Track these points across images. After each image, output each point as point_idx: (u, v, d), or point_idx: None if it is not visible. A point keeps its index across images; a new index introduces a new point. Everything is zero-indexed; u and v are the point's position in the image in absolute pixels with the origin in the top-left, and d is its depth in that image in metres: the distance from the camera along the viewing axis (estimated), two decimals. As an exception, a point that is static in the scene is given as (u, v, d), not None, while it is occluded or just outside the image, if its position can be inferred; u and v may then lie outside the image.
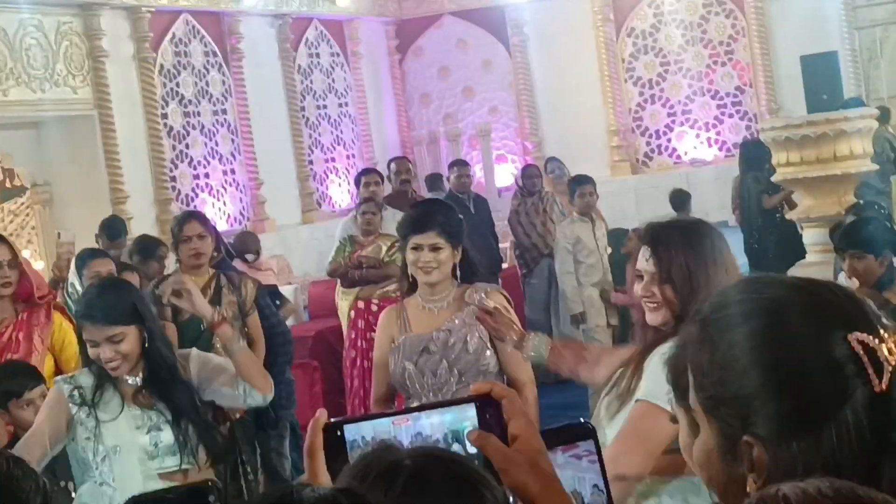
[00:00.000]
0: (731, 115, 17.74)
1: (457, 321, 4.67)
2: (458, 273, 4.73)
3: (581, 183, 10.17)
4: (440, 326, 4.68)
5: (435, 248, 4.65)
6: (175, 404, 4.24)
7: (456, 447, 1.70)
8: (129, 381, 4.24)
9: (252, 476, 6.53)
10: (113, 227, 9.26)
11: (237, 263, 7.76)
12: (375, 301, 8.22)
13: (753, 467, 1.62)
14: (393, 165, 10.51)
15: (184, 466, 4.23)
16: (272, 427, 6.84)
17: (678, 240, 3.45)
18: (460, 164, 11.66)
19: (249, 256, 8.18)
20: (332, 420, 1.67)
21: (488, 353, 4.64)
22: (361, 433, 1.67)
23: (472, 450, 1.67)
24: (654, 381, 3.30)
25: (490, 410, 1.70)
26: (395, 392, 4.85)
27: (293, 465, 7.46)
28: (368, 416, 1.73)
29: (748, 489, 1.61)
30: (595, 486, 1.81)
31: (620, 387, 3.47)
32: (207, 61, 14.48)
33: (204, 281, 6.51)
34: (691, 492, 3.32)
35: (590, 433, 1.86)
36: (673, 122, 17.88)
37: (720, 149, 17.67)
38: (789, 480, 1.45)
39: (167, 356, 4.30)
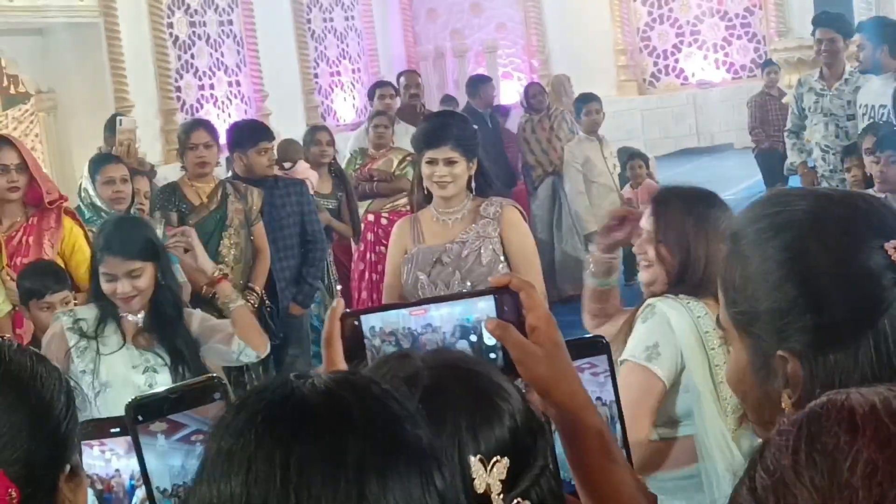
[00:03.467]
0: (739, 37, 17.61)
1: (471, 234, 4.66)
2: (473, 185, 4.72)
3: (587, 101, 10.08)
4: (454, 238, 4.67)
5: (450, 162, 4.63)
6: (176, 348, 4.22)
7: (462, 343, 1.69)
8: (131, 319, 4.22)
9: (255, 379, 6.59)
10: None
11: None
12: (385, 214, 8.22)
13: (788, 382, 1.60)
14: (402, 79, 10.44)
15: None
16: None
17: (681, 205, 3.49)
18: (486, 80, 11.65)
19: (286, 164, 8.12)
20: (350, 310, 1.69)
21: (501, 266, 4.63)
22: (372, 323, 1.69)
23: (490, 341, 1.67)
24: (633, 341, 3.38)
25: (508, 302, 1.69)
26: (405, 301, 4.84)
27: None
28: (386, 307, 1.74)
29: (783, 405, 1.59)
30: (598, 398, 1.82)
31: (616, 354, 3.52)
32: (214, -30, 14.35)
33: (210, 188, 6.51)
34: (694, 488, 3.36)
35: (603, 348, 1.88)
36: (681, 42, 17.75)
37: (728, 70, 17.56)
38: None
39: (176, 295, 4.36)
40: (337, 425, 1.16)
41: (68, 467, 1.49)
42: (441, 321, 1.70)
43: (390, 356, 1.50)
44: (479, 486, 1.27)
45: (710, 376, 3.34)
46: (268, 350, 4.52)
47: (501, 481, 1.28)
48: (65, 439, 1.50)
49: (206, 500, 1.17)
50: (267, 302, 6.44)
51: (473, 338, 1.69)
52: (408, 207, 7.65)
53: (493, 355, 1.67)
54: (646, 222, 3.53)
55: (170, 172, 7.52)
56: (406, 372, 1.37)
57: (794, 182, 9.60)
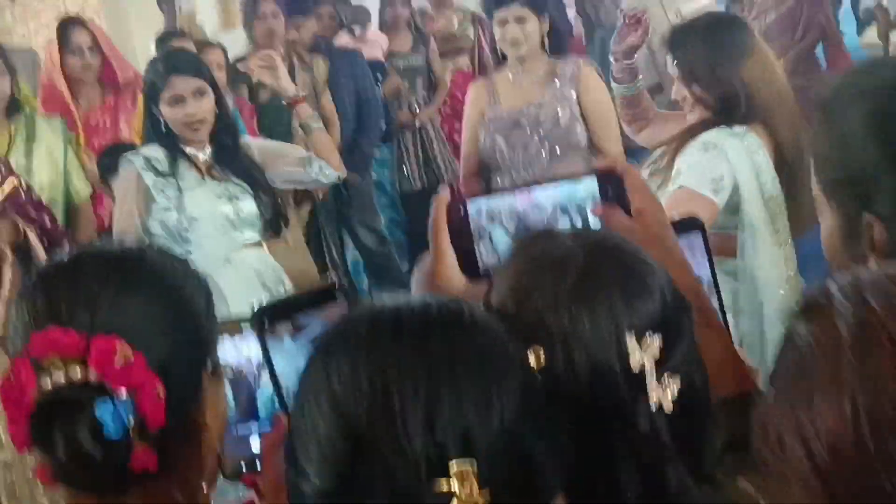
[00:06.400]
0: None
1: (547, 95, 4.62)
2: (547, 44, 4.66)
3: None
4: (531, 101, 4.63)
5: (521, 20, 4.58)
6: (251, 174, 4.20)
7: (564, 220, 1.72)
8: (201, 157, 4.17)
9: (335, 250, 6.64)
10: None
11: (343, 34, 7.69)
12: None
13: (874, 246, 1.63)
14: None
15: (259, 239, 4.23)
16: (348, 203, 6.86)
17: (696, 39, 3.46)
18: None
19: (356, 28, 8.04)
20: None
21: (579, 127, 4.60)
22: (478, 206, 1.73)
23: (595, 225, 1.70)
24: (696, 170, 3.37)
25: (612, 185, 1.71)
26: (484, 166, 4.80)
27: None
28: (490, 192, 1.77)
29: None
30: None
31: (662, 163, 3.52)
32: None
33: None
34: None
35: (698, 225, 1.87)
36: None
37: None
38: None
39: (233, 126, 4.31)
40: (420, 331, 1.18)
41: (210, 365, 1.53)
42: (545, 201, 1.73)
43: (535, 235, 1.50)
44: (635, 366, 1.31)
45: (764, 209, 3.39)
46: (345, 173, 4.49)
47: (654, 357, 1.33)
48: (206, 338, 1.52)
49: (302, 411, 1.19)
50: (339, 281, 6.40)
51: (566, 219, 1.72)
52: (470, 67, 7.59)
53: None
54: (671, 67, 3.53)
55: (227, 40, 7.36)
56: (559, 252, 1.40)
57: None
